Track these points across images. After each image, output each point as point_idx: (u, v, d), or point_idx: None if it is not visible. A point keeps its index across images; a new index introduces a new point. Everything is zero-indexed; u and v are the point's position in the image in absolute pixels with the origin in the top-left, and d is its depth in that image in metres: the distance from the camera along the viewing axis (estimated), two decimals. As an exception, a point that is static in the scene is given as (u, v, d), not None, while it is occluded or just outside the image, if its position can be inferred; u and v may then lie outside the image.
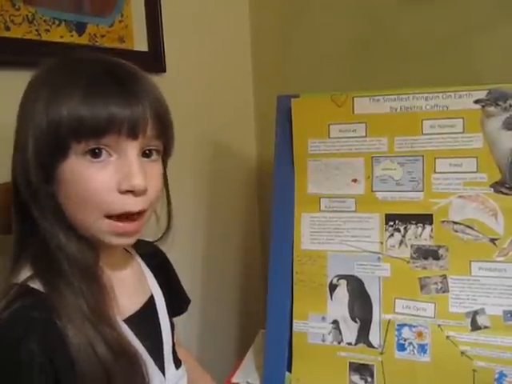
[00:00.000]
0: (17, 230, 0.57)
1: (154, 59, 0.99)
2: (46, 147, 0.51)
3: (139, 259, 0.70)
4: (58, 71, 0.54)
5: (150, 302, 0.66)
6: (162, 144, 0.58)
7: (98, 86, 0.51)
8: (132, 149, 0.52)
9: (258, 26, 1.31)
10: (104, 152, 0.52)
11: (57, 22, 0.79)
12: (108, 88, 0.51)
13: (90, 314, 0.51)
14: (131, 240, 0.57)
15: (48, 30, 0.78)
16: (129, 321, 0.58)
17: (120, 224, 0.53)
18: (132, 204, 0.53)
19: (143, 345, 0.58)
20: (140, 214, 0.55)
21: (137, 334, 0.57)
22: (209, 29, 1.19)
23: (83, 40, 0.84)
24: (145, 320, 0.62)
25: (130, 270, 0.66)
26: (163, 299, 0.68)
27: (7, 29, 0.72)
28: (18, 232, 0.57)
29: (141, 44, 0.96)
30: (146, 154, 0.55)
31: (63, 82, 0.52)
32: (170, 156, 0.62)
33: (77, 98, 0.50)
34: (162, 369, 0.62)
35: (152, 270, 0.70)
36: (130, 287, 0.64)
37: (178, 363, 0.68)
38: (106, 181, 0.52)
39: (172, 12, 1.04)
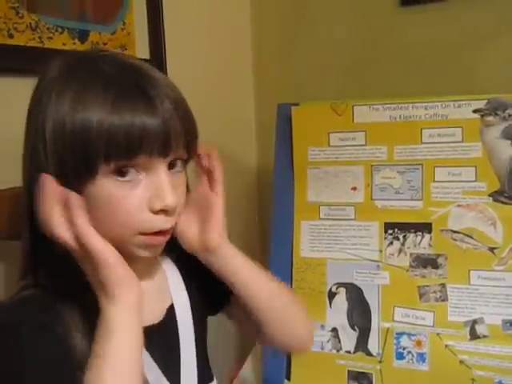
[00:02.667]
0: (28, 237, 0.53)
1: (156, 67, 0.98)
2: (71, 166, 0.48)
3: (165, 261, 0.64)
4: (79, 73, 0.50)
5: (170, 313, 0.60)
6: (188, 153, 0.55)
7: (127, 100, 0.47)
8: (163, 167, 0.50)
9: (259, 35, 1.31)
10: (131, 170, 0.49)
11: (60, 30, 0.79)
12: (137, 103, 0.48)
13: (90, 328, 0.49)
14: (158, 251, 0.56)
15: (51, 38, 0.78)
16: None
17: (153, 238, 0.52)
18: (163, 222, 0.51)
19: (154, 359, 0.54)
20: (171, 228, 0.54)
21: (148, 348, 0.53)
22: (210, 37, 1.20)
23: (85, 47, 0.84)
24: (162, 333, 0.58)
25: (150, 279, 0.61)
26: (189, 307, 0.62)
27: (10, 36, 0.72)
28: (28, 239, 0.53)
29: (143, 52, 0.97)
30: (171, 165, 0.53)
31: (86, 91, 0.48)
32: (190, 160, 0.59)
33: (101, 115, 0.47)
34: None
35: (179, 267, 0.64)
36: (150, 297, 0.58)
37: (203, 380, 0.61)
38: (136, 202, 0.50)
39: (174, 20, 1.05)
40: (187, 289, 0.64)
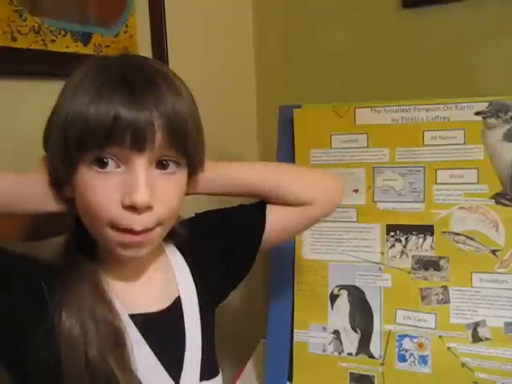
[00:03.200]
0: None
1: (158, 69, 1.00)
2: (59, 158, 0.51)
3: (171, 250, 0.65)
4: (79, 75, 0.52)
5: (176, 304, 0.61)
6: (184, 156, 0.53)
7: (106, 92, 0.48)
8: (138, 161, 0.49)
9: (261, 37, 1.32)
10: (111, 162, 0.49)
11: (63, 33, 0.80)
12: (116, 94, 0.48)
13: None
14: (140, 252, 0.53)
15: (54, 41, 0.79)
16: (137, 318, 0.55)
17: (125, 236, 0.50)
18: (135, 221, 0.49)
19: (153, 347, 0.55)
20: (146, 230, 0.51)
21: (148, 336, 0.55)
22: (213, 39, 1.21)
23: (88, 50, 0.85)
24: (166, 321, 0.59)
25: (155, 268, 0.61)
26: (196, 297, 0.62)
27: (14, 39, 0.73)
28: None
29: (145, 54, 0.97)
30: (162, 164, 0.52)
31: (78, 88, 0.50)
32: (197, 172, 0.58)
33: (83, 104, 0.48)
34: (176, 377, 0.57)
35: (185, 256, 0.65)
36: (152, 291, 0.60)
37: (208, 373, 0.61)
38: (109, 193, 0.49)
39: (176, 23, 1.06)
40: (194, 278, 0.64)
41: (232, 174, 0.66)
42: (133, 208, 0.49)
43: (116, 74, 0.50)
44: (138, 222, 0.50)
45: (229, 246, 0.68)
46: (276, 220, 0.67)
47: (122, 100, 0.48)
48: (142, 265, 0.60)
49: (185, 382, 0.58)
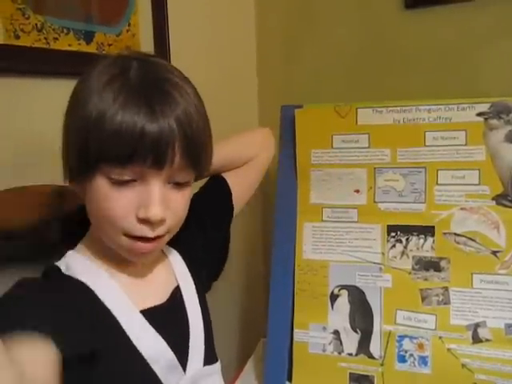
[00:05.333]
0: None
1: (160, 68, 1.00)
2: (77, 160, 0.52)
3: (166, 247, 0.67)
4: (99, 78, 0.52)
5: (176, 293, 0.64)
6: (194, 173, 0.56)
7: (129, 109, 0.49)
8: (156, 179, 0.52)
9: (263, 37, 1.32)
10: (128, 173, 0.51)
11: (65, 31, 0.80)
12: (138, 113, 0.49)
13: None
14: (149, 258, 0.58)
15: (56, 39, 0.79)
16: (147, 312, 0.57)
17: (138, 244, 0.53)
18: (147, 231, 0.53)
19: (165, 339, 0.57)
20: (157, 237, 0.54)
21: (156, 327, 0.57)
22: (215, 38, 1.21)
23: (91, 48, 0.85)
24: (169, 312, 0.61)
25: (153, 262, 0.64)
26: (194, 289, 0.66)
27: (17, 37, 0.73)
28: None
29: (147, 53, 0.98)
30: (177, 184, 0.55)
31: (101, 92, 0.50)
32: (201, 178, 0.62)
33: (106, 120, 0.49)
34: (183, 363, 0.59)
35: (180, 252, 0.68)
36: (155, 283, 0.63)
37: (209, 359, 0.64)
38: (125, 205, 0.52)
39: (178, 22, 1.06)
40: (188, 267, 0.67)
41: None
42: (147, 222, 0.52)
43: (138, 89, 0.51)
44: (151, 232, 0.53)
45: (206, 220, 0.72)
46: (235, 182, 0.76)
47: (144, 119, 0.49)
48: (148, 262, 0.63)
49: (191, 368, 0.60)
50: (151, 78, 0.53)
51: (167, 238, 0.57)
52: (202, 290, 0.69)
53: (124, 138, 0.49)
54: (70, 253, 0.58)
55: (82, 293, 0.54)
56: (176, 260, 0.67)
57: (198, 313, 0.65)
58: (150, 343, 0.56)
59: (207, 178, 0.76)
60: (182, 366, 0.59)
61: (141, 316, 0.57)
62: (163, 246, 0.59)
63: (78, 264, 0.57)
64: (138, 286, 0.60)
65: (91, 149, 0.50)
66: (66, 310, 0.51)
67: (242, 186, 0.77)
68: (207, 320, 0.66)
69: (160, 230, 0.54)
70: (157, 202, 0.51)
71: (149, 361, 0.55)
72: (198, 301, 0.66)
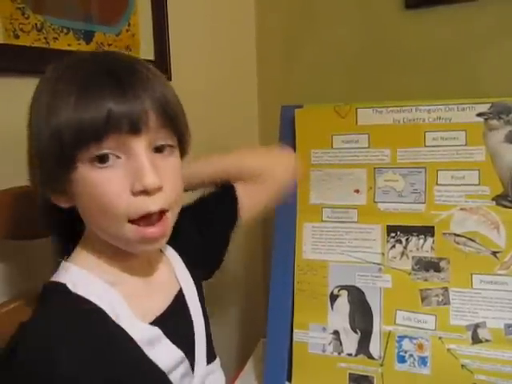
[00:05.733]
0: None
1: (160, 68, 0.98)
2: (53, 161, 0.50)
3: (167, 249, 0.66)
4: (57, 77, 0.52)
5: (179, 296, 0.62)
6: (176, 137, 0.55)
7: (92, 87, 0.49)
8: (138, 146, 0.50)
9: (263, 37, 1.32)
10: (111, 156, 0.49)
11: (65, 31, 0.80)
12: (102, 87, 0.49)
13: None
14: (158, 245, 0.55)
15: (56, 38, 0.79)
16: (157, 322, 0.56)
17: (145, 229, 0.51)
18: (150, 204, 0.50)
19: (174, 342, 0.56)
20: (162, 215, 0.52)
21: (167, 334, 0.56)
22: (215, 38, 1.21)
23: (90, 48, 0.85)
24: (175, 316, 0.60)
25: (155, 267, 0.62)
26: (194, 289, 0.65)
27: (16, 37, 0.73)
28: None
29: (147, 53, 0.97)
30: (158, 149, 0.52)
31: (59, 89, 0.50)
32: (186, 153, 0.59)
33: (72, 105, 0.48)
34: (192, 364, 0.59)
35: (177, 250, 0.66)
36: (159, 286, 0.61)
37: (211, 357, 0.64)
38: (118, 183, 0.49)
39: (178, 22, 1.06)
40: (188, 269, 0.66)
41: (194, 173, 0.71)
42: (144, 192, 0.49)
43: (95, 69, 0.51)
44: (152, 203, 0.50)
45: (206, 219, 0.72)
46: (244, 192, 0.74)
47: (112, 94, 0.48)
48: (149, 263, 0.61)
49: (198, 368, 0.60)
50: (116, 58, 0.54)
51: (171, 220, 0.54)
52: (200, 287, 0.68)
53: (94, 110, 0.48)
54: (68, 265, 0.55)
55: (95, 317, 0.52)
56: (176, 260, 0.66)
57: (200, 313, 0.64)
58: (165, 354, 0.55)
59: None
60: (191, 368, 0.59)
61: (150, 327, 0.55)
62: (169, 230, 0.55)
63: (82, 280, 0.54)
64: (142, 295, 0.58)
65: (66, 140, 0.48)
66: (85, 348, 0.49)
67: (250, 199, 0.75)
68: (206, 318, 0.66)
69: (161, 201, 0.51)
70: (148, 168, 0.49)
71: (166, 371, 0.54)
72: (198, 300, 0.65)
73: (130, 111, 0.49)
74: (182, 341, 0.57)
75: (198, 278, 0.68)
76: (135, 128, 0.49)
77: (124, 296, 0.54)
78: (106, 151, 0.49)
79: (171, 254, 0.66)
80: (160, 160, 0.52)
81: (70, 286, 0.52)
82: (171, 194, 0.53)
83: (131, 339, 0.52)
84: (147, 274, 0.60)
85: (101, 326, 0.52)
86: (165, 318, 0.57)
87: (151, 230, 0.51)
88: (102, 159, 0.49)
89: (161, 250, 0.65)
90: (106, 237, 0.54)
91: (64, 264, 0.55)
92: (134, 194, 0.49)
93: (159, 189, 0.50)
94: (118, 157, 0.50)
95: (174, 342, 0.56)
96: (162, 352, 0.55)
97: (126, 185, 0.49)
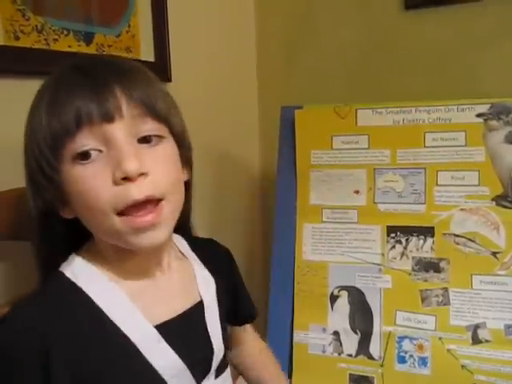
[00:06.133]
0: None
1: (160, 69, 1.00)
2: (44, 164, 0.50)
3: (195, 261, 0.64)
4: (45, 83, 0.53)
5: (197, 308, 0.60)
6: (167, 128, 0.53)
7: (63, 87, 0.49)
8: (115, 132, 0.48)
9: (263, 38, 1.32)
10: (92, 152, 0.48)
11: (65, 32, 0.80)
12: (71, 84, 0.49)
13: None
14: (154, 236, 0.51)
15: (56, 40, 0.79)
16: (162, 326, 0.54)
17: (134, 218, 0.48)
18: (133, 191, 0.47)
19: (177, 352, 0.54)
20: (152, 203, 0.49)
21: (172, 341, 0.54)
22: (215, 40, 1.21)
23: (91, 49, 0.85)
24: (188, 327, 0.58)
25: (173, 273, 0.60)
26: (217, 306, 0.62)
27: (17, 38, 0.73)
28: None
29: (147, 54, 0.98)
30: (145, 139, 0.50)
31: (37, 97, 0.51)
32: (183, 144, 0.57)
33: (45, 106, 0.49)
34: (199, 379, 0.57)
35: (212, 273, 0.64)
36: (171, 292, 0.58)
37: (220, 370, 0.62)
38: (100, 176, 0.48)
39: (178, 23, 1.06)
40: (219, 292, 0.64)
41: None
42: (127, 179, 0.47)
43: (71, 68, 0.51)
44: (136, 190, 0.48)
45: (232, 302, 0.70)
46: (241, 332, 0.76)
47: (81, 88, 0.48)
48: (157, 265, 0.59)
49: (204, 382, 0.58)
50: (93, 57, 0.56)
51: (168, 209, 0.51)
52: (224, 312, 0.65)
53: (63, 111, 0.48)
54: (74, 257, 0.55)
55: (87, 312, 0.51)
56: (203, 274, 0.63)
57: (218, 327, 0.62)
58: (165, 361, 0.53)
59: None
60: (196, 380, 0.57)
61: (155, 331, 0.53)
62: (169, 220, 0.52)
63: (83, 272, 0.53)
64: (148, 295, 0.56)
65: (42, 147, 0.49)
66: (67, 338, 0.49)
67: (235, 336, 0.75)
68: (224, 334, 0.63)
69: (146, 188, 0.48)
70: (126, 153, 0.47)
71: (166, 378, 0.53)
72: (218, 313, 0.62)
73: (98, 99, 0.48)
74: (188, 353, 0.55)
75: (224, 305, 0.65)
76: (106, 114, 0.48)
77: (127, 293, 0.54)
78: (85, 148, 0.48)
79: (199, 266, 0.64)
80: (147, 149, 0.50)
81: (68, 275, 0.53)
82: (161, 180, 0.50)
83: (125, 336, 0.51)
84: (155, 276, 0.58)
85: (88, 318, 0.51)
86: (172, 325, 0.55)
87: (140, 219, 0.48)
88: (84, 156, 0.48)
89: (183, 255, 0.63)
90: (103, 236, 0.53)
91: (71, 256, 0.55)
92: (116, 183, 0.48)
93: (143, 174, 0.48)
94: (100, 151, 0.49)
95: (178, 350, 0.54)
96: (162, 359, 0.53)
97: (106, 175, 0.48)
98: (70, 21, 0.81)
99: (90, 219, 0.52)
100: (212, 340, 0.60)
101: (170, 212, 0.52)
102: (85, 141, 0.48)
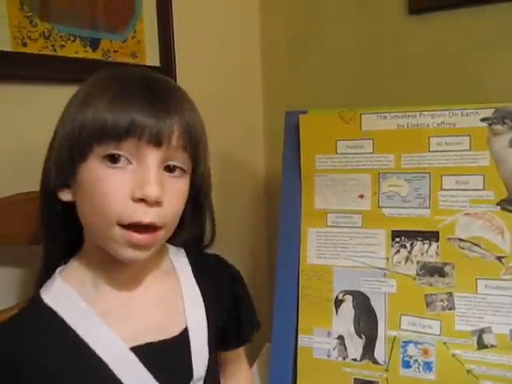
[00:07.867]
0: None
1: (166, 74, 1.00)
2: (67, 149, 0.51)
3: (186, 280, 0.63)
4: (95, 82, 0.54)
5: (182, 334, 0.59)
6: (191, 161, 0.55)
7: (126, 94, 0.51)
8: (152, 157, 0.50)
9: (268, 43, 1.33)
10: (123, 159, 0.50)
11: (72, 38, 0.81)
12: (135, 97, 0.50)
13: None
14: (143, 255, 0.53)
15: (63, 46, 0.80)
16: (140, 350, 0.54)
17: (133, 234, 0.50)
18: (142, 214, 0.50)
19: (155, 376, 0.54)
20: (151, 228, 0.51)
21: (148, 365, 0.54)
22: (220, 45, 1.22)
23: (97, 55, 0.86)
24: (171, 354, 0.57)
25: (155, 292, 0.59)
26: (206, 329, 0.61)
27: (24, 44, 0.74)
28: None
29: (153, 59, 0.98)
30: (169, 168, 0.53)
31: (96, 91, 0.52)
32: (200, 177, 0.59)
33: (103, 104, 0.50)
34: None
35: (207, 293, 0.63)
36: (150, 311, 0.58)
37: None
38: (120, 186, 0.50)
39: (184, 29, 1.07)
40: (205, 303, 0.62)
41: None
42: (143, 201, 0.49)
43: (133, 80, 0.53)
44: (145, 214, 0.50)
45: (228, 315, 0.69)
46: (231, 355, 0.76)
47: (142, 105, 0.50)
48: (142, 280, 0.59)
49: None
50: (155, 76, 0.56)
51: (162, 236, 0.54)
52: (217, 324, 0.64)
53: (118, 115, 0.49)
54: (56, 276, 0.56)
55: (61, 337, 0.52)
56: (191, 295, 0.62)
57: (204, 353, 0.60)
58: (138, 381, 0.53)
59: None
60: None
61: (131, 354, 0.53)
62: (158, 245, 0.54)
63: (61, 296, 0.54)
64: (125, 315, 0.56)
65: (85, 128, 0.50)
66: (39, 364, 0.50)
67: (225, 355, 0.75)
68: (213, 359, 0.62)
69: (156, 217, 0.51)
70: (153, 180, 0.49)
71: None
72: (206, 341, 0.61)
73: (156, 124, 0.50)
74: (168, 378, 0.55)
75: (215, 328, 0.64)
76: (156, 140, 0.50)
77: (104, 312, 0.54)
78: (120, 152, 0.50)
79: (189, 289, 0.62)
80: (167, 178, 0.53)
81: (47, 300, 0.54)
82: (168, 213, 0.53)
83: (99, 358, 0.51)
84: (133, 292, 0.58)
85: (62, 342, 0.52)
86: (153, 348, 0.55)
87: (138, 237, 0.51)
88: (114, 159, 0.50)
89: (175, 271, 0.63)
90: (96, 237, 0.54)
91: (56, 272, 0.57)
92: (133, 200, 0.50)
93: (158, 203, 0.51)
94: (130, 162, 0.51)
95: (154, 373, 0.54)
96: (133, 380, 0.53)
97: (126, 189, 0.50)
98: (76, 27, 0.82)
99: (90, 219, 0.53)
100: (193, 367, 0.58)
101: (163, 238, 0.55)
102: (125, 148, 0.50)
